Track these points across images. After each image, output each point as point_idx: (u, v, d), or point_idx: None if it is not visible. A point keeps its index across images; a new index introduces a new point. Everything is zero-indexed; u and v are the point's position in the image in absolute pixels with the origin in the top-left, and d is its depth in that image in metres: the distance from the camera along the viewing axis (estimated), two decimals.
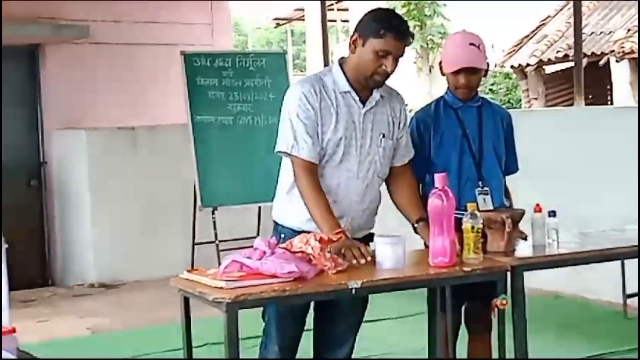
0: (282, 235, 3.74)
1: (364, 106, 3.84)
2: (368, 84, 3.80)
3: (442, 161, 4.15)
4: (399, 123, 3.97)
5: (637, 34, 13.58)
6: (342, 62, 3.85)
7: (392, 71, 3.76)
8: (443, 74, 4.23)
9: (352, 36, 3.82)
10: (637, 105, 12.36)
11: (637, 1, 12.81)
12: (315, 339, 4.04)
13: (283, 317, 3.85)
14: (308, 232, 3.62)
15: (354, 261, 3.50)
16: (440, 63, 4.26)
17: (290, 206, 3.87)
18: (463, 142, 4.18)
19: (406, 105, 4.11)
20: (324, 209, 3.70)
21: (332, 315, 3.90)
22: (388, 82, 3.89)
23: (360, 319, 4.04)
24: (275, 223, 3.94)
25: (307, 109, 3.74)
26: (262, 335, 3.95)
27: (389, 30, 3.69)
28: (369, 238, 3.92)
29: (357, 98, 3.82)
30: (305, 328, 4.01)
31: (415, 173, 4.16)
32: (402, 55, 3.76)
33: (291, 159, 3.80)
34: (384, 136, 3.89)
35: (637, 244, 4.07)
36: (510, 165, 4.37)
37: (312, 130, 3.75)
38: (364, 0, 19.41)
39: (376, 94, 3.86)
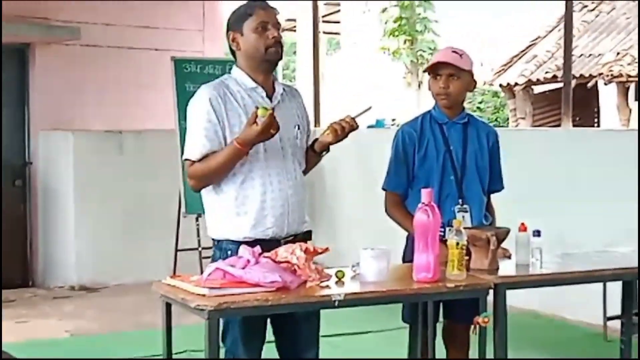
0: (229, 252, 3.72)
1: (271, 101, 3.85)
2: (268, 60, 3.82)
3: (424, 176, 4.16)
4: (306, 117, 4.04)
5: (625, 58, 13.67)
6: (237, 66, 3.90)
7: (279, 38, 3.81)
8: (429, 89, 4.27)
9: (229, 39, 3.88)
10: (623, 128, 12.42)
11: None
12: (279, 352, 3.98)
13: (247, 334, 3.77)
14: (258, 241, 3.65)
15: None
16: (429, 81, 4.28)
17: (229, 217, 3.81)
18: (446, 159, 4.20)
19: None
20: (216, 155, 3.72)
21: (288, 324, 3.84)
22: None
23: (318, 325, 3.96)
24: (217, 241, 3.88)
25: (208, 111, 3.75)
26: (225, 356, 3.80)
27: (253, 7, 3.82)
28: (308, 236, 3.91)
29: (264, 94, 3.85)
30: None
31: (398, 186, 4.18)
32: (279, 24, 3.84)
33: (185, 164, 3.81)
34: (298, 128, 3.91)
35: (619, 266, 4.10)
36: (495, 184, 4.38)
37: (213, 133, 3.75)
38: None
39: (279, 88, 3.91)
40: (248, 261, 3.41)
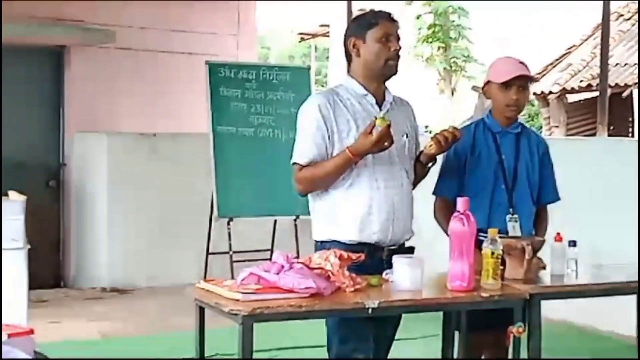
0: None
1: (380, 109, 3.92)
2: (384, 73, 3.91)
3: (475, 184, 4.15)
4: (416, 127, 4.13)
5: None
6: (349, 74, 3.99)
7: (399, 51, 3.90)
8: (488, 97, 4.25)
9: (349, 44, 3.93)
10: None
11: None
12: None
13: (353, 333, 3.78)
14: (362, 245, 3.73)
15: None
16: (483, 87, 4.27)
17: (335, 220, 3.85)
18: (498, 168, 4.19)
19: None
20: (326, 162, 3.79)
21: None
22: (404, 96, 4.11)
23: (396, 330, 4.03)
24: (321, 242, 3.88)
25: (317, 118, 3.83)
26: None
27: (379, 17, 3.90)
28: (411, 250, 3.95)
29: (373, 102, 3.92)
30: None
31: (448, 192, 4.16)
32: (400, 37, 3.91)
33: (293, 167, 3.88)
34: (407, 136, 3.98)
35: None
36: (549, 195, 4.36)
37: (321, 139, 3.82)
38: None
39: (389, 97, 3.98)
40: (282, 266, 3.40)
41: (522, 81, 4.16)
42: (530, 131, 4.44)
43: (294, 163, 3.87)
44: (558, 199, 4.39)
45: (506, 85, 4.15)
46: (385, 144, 3.71)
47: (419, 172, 4.05)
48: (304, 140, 3.85)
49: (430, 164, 4.02)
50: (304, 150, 3.83)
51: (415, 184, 4.05)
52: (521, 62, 4.19)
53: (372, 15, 3.92)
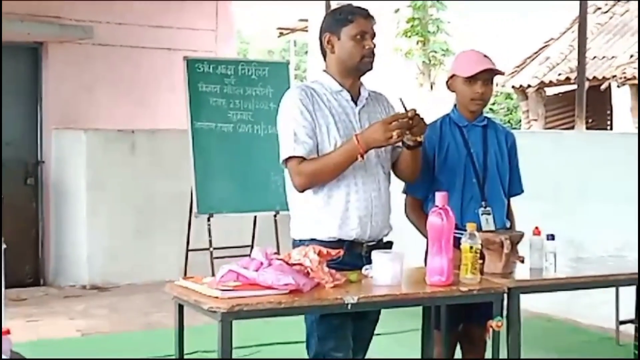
0: None
1: (356, 105, 3.89)
2: (360, 70, 3.87)
3: (446, 179, 4.13)
4: None
5: (638, 60, 13.60)
6: (325, 70, 3.95)
7: (374, 49, 3.85)
8: (452, 91, 4.23)
9: (323, 39, 3.89)
10: (637, 131, 12.36)
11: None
12: None
13: (334, 332, 3.74)
14: (341, 241, 3.71)
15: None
16: (447, 81, 4.26)
17: (315, 218, 3.81)
18: (467, 162, 4.18)
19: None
20: (331, 152, 3.73)
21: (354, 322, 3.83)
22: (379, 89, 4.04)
23: (374, 329, 4.01)
24: (300, 241, 3.82)
25: (302, 110, 3.78)
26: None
27: (355, 13, 3.85)
28: (389, 245, 3.93)
29: (349, 98, 3.88)
30: None
31: (418, 190, 4.15)
32: (375, 33, 3.87)
33: (290, 162, 3.78)
34: None
35: (633, 271, 4.07)
36: (514, 187, 4.36)
37: (311, 132, 3.78)
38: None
39: (364, 92, 3.94)
40: (261, 263, 3.39)
41: (488, 75, 4.15)
42: (496, 123, 4.42)
43: (292, 156, 3.75)
44: (522, 190, 4.40)
45: (471, 79, 4.15)
46: (395, 134, 3.61)
47: (409, 157, 3.86)
48: (297, 132, 3.75)
49: (420, 140, 3.80)
50: (299, 142, 3.75)
51: (414, 172, 3.94)
52: (485, 56, 4.18)
53: (348, 11, 3.86)
